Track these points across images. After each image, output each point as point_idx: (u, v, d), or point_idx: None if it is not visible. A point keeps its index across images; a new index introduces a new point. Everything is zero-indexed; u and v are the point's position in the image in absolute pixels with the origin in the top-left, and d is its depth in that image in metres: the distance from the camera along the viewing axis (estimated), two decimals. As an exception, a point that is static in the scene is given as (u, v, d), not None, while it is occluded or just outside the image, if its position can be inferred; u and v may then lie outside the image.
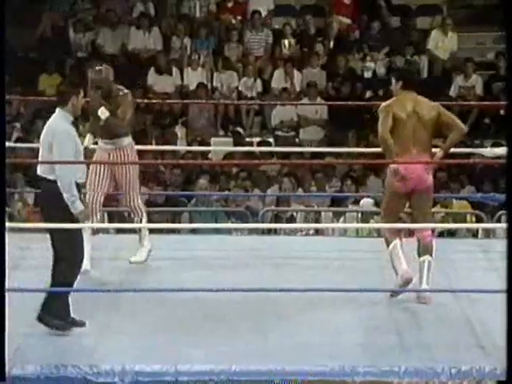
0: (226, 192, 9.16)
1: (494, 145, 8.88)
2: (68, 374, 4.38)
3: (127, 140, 5.92)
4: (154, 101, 10.28)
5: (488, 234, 7.92)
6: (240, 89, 11.06)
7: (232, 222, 8.18)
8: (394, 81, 5.55)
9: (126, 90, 5.90)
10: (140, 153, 9.02)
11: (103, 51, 11.35)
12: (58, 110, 4.91)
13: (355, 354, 4.55)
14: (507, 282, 3.69)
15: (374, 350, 4.62)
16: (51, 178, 4.82)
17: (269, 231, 7.89)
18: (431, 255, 5.31)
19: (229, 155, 9.82)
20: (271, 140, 10.63)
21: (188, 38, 11.42)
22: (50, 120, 4.93)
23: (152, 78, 11.07)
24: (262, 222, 7.94)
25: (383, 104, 5.46)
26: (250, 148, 10.10)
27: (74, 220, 4.80)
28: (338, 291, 5.18)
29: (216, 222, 8.13)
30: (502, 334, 4.61)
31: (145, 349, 4.59)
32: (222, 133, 10.90)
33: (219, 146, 10.43)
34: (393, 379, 4.38)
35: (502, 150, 6.39)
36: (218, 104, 10.84)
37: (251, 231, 7.64)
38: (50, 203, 4.82)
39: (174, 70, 11.13)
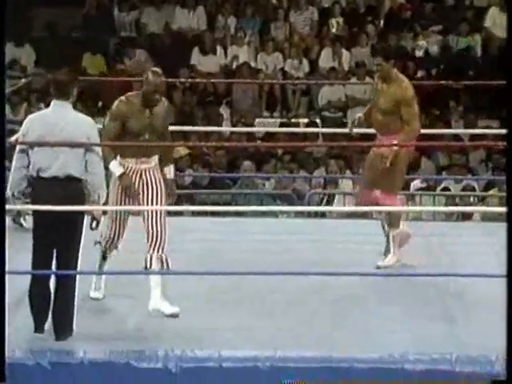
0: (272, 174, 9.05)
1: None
2: (112, 359, 4.28)
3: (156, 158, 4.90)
4: (199, 80, 10.17)
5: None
6: (286, 69, 10.92)
7: (278, 205, 8.09)
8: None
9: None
10: (185, 134, 9.08)
11: (147, 30, 11.27)
12: (62, 102, 4.41)
13: (405, 342, 4.43)
14: (507, 286, 3.55)
15: (424, 337, 4.48)
16: (83, 177, 4.43)
17: (315, 214, 7.78)
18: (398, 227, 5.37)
19: (274, 136, 9.70)
20: (318, 121, 10.48)
21: (233, 16, 11.30)
22: (72, 115, 4.42)
23: (196, 57, 10.97)
24: (309, 205, 7.83)
25: (411, 91, 5.40)
26: (295, 129, 9.96)
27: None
28: (387, 275, 5.04)
29: (261, 204, 8.05)
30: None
31: (189, 334, 4.52)
32: (266, 114, 10.77)
33: (264, 127, 10.32)
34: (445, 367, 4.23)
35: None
36: (263, 84, 10.70)
37: (298, 214, 7.54)
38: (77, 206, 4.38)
39: (219, 49, 11.02)
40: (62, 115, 4.43)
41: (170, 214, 6.89)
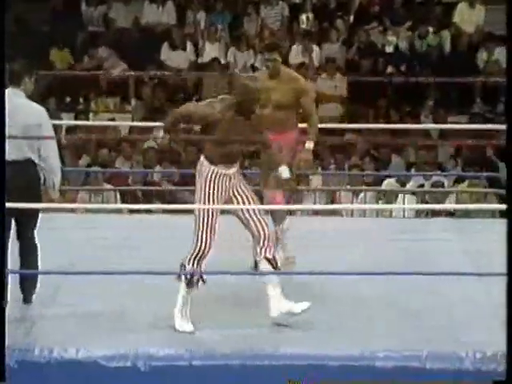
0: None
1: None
2: (79, 358, 4.24)
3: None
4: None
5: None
6: (256, 65, 10.89)
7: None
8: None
9: None
10: (153, 130, 9.02)
11: (115, 25, 11.19)
12: (14, 90, 4.69)
13: (376, 339, 4.42)
14: (507, 286, 3.55)
15: (394, 334, 4.48)
16: (37, 160, 4.69)
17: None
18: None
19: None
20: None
21: (203, 11, 11.25)
22: (23, 101, 4.70)
23: (165, 52, 10.91)
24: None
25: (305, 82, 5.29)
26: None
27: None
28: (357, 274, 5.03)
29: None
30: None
31: (158, 332, 4.49)
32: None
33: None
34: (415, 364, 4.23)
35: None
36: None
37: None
38: (33, 188, 4.66)
39: (189, 44, 10.96)
40: (13, 101, 4.61)
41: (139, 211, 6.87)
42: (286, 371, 4.22)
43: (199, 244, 4.54)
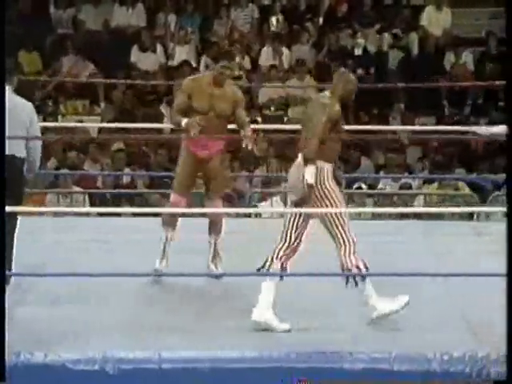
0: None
1: (489, 123, 8.75)
2: (47, 361, 4.21)
3: None
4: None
5: (480, 216, 7.81)
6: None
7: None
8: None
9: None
10: (125, 131, 9.00)
11: (85, 28, 11.14)
12: (8, 86, 4.88)
13: (344, 341, 4.43)
14: (507, 282, 3.58)
15: (362, 336, 4.50)
16: (22, 155, 4.92)
17: (256, 213, 7.77)
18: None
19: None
20: (258, 119, 10.47)
21: (173, 14, 11.24)
22: (14, 97, 4.89)
23: (135, 55, 10.88)
24: (249, 204, 7.81)
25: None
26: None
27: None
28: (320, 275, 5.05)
29: (201, 204, 7.99)
30: (494, 319, 4.54)
31: (127, 335, 4.46)
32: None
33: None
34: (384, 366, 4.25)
35: (497, 129, 6.25)
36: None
37: (238, 213, 7.51)
38: (17, 182, 4.84)
39: (159, 47, 10.94)
40: (13, 96, 4.92)
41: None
42: (250, 374, 4.21)
43: (348, 240, 4.58)
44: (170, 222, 5.31)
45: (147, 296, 5.07)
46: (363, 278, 4.59)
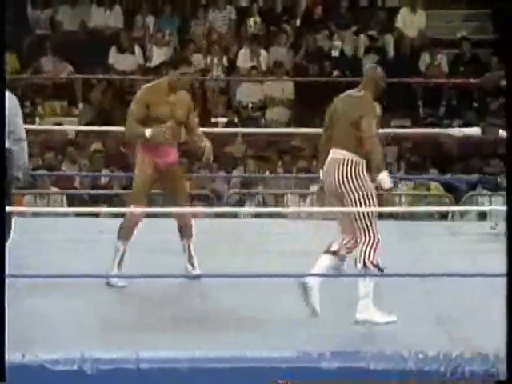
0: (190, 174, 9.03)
1: (463, 125, 8.83)
2: (25, 362, 4.21)
3: None
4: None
5: (455, 215, 7.88)
6: (205, 68, 10.92)
7: (196, 205, 8.07)
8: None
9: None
10: (103, 134, 9.01)
11: (63, 28, 11.13)
12: None
13: (321, 340, 4.46)
14: (507, 282, 3.62)
15: (339, 335, 4.53)
16: (7, 146, 4.96)
17: (234, 214, 7.79)
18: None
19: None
20: (236, 120, 10.50)
21: (151, 16, 11.25)
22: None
23: (113, 56, 10.87)
24: (227, 205, 7.83)
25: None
26: (215, 129, 9.94)
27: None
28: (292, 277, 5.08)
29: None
30: (467, 319, 4.59)
31: (105, 335, 4.48)
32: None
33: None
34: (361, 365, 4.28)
35: (471, 130, 6.33)
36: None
37: (217, 214, 7.54)
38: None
39: (137, 48, 10.95)
40: None
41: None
42: (228, 374, 4.24)
43: (373, 236, 4.62)
44: (128, 234, 5.25)
45: (125, 296, 5.07)
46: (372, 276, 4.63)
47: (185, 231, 5.34)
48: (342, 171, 4.64)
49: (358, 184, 4.64)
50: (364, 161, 4.67)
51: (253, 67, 10.74)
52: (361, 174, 4.65)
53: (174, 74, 5.21)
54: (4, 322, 3.74)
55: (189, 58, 5.84)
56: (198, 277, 5.28)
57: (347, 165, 4.64)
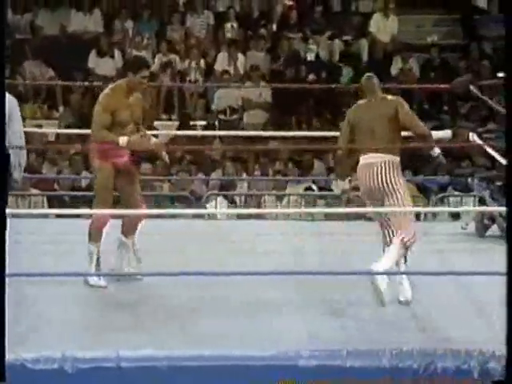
0: (169, 176, 9.08)
1: (434, 128, 8.93)
2: (6, 360, 4.24)
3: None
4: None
5: (427, 216, 7.98)
6: (183, 71, 10.98)
7: (176, 207, 8.11)
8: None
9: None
10: (82, 137, 9.03)
11: (43, 33, 11.15)
12: None
13: (298, 339, 4.52)
14: (507, 282, 3.72)
15: (316, 333, 4.59)
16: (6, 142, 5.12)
17: (211, 215, 7.83)
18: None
19: (173, 139, 9.74)
20: (215, 123, 10.56)
21: (130, 20, 11.29)
22: None
23: (93, 60, 10.91)
24: (206, 207, 7.88)
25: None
26: (194, 132, 10.02)
27: None
28: (277, 274, 5.15)
29: (159, 206, 8.06)
30: (442, 316, 4.68)
31: (85, 334, 4.51)
32: (165, 116, 10.81)
33: (163, 130, 10.34)
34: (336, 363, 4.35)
35: (442, 133, 6.43)
36: (160, 86, 10.73)
37: (195, 215, 7.59)
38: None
39: (116, 52, 10.99)
40: None
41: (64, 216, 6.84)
42: (207, 372, 4.26)
43: (412, 230, 5.00)
44: (98, 236, 5.28)
45: (105, 295, 5.07)
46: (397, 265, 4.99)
47: (133, 229, 5.33)
48: (388, 172, 5.01)
49: (401, 183, 5.05)
50: (399, 159, 5.04)
51: (225, 71, 10.80)
52: (397, 175, 5.04)
53: (136, 78, 5.23)
54: (4, 322, 3.76)
55: (146, 59, 5.88)
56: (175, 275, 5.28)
57: (392, 166, 5.01)
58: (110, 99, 5.22)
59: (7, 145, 5.04)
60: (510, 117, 3.77)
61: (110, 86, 5.31)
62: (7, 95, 5.03)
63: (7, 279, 4.92)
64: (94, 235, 5.29)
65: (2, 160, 4.01)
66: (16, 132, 5.13)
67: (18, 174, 5.15)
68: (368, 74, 5.36)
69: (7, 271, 5.19)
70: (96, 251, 5.27)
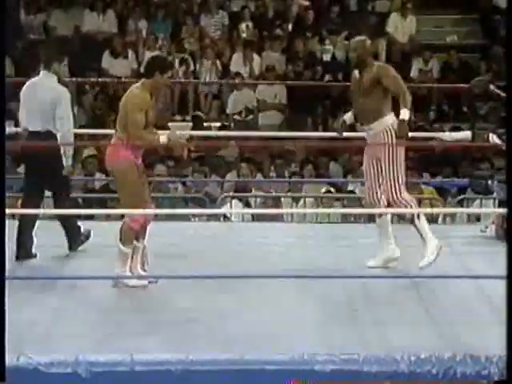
0: (184, 178, 9.06)
1: (453, 129, 8.86)
2: (19, 364, 4.21)
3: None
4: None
5: (446, 219, 7.91)
6: (197, 72, 10.95)
7: (190, 208, 8.10)
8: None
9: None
10: (96, 137, 9.01)
11: (56, 33, 11.14)
12: (45, 72, 5.75)
13: (314, 343, 4.47)
14: (507, 282, 3.65)
15: (332, 337, 4.55)
16: (54, 131, 5.67)
17: (226, 217, 7.82)
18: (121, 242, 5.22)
19: (187, 140, 9.69)
20: (230, 124, 10.53)
21: (144, 20, 11.27)
22: (49, 82, 5.68)
23: (107, 60, 10.89)
24: (220, 208, 7.86)
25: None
26: (209, 132, 9.98)
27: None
28: (293, 277, 5.10)
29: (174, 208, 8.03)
30: (460, 321, 4.62)
31: (99, 338, 4.48)
32: (179, 117, 10.78)
33: (177, 131, 10.28)
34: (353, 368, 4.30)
35: (461, 135, 6.37)
36: (174, 87, 10.71)
37: (210, 217, 7.57)
38: (50, 154, 5.59)
39: (130, 53, 10.97)
40: (43, 82, 5.75)
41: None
42: (222, 376, 4.24)
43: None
44: (133, 237, 5.24)
45: (118, 299, 5.07)
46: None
47: (141, 231, 5.29)
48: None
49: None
50: None
51: (237, 74, 10.77)
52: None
53: (163, 79, 5.22)
54: (4, 322, 3.75)
55: (172, 62, 5.97)
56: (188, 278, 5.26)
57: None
58: (142, 99, 5.18)
59: (54, 131, 5.66)
60: (510, 117, 3.74)
61: (137, 85, 5.24)
62: (59, 86, 5.70)
63: (23, 283, 4.93)
64: (128, 236, 5.19)
65: (1, 158, 3.97)
66: (61, 118, 5.62)
67: (65, 160, 5.64)
68: None
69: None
70: (131, 253, 5.18)
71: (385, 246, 5.54)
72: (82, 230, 5.90)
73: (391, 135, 5.51)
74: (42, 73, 5.80)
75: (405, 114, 5.46)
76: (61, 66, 5.84)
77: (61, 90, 5.71)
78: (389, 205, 5.49)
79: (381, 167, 5.52)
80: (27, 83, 5.92)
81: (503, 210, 6.50)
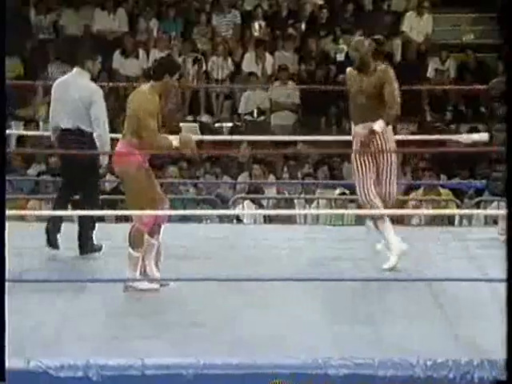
0: (196, 180, 9.03)
1: (470, 131, 8.79)
2: (29, 368, 4.17)
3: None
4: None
5: (462, 221, 7.85)
6: (209, 71, 10.90)
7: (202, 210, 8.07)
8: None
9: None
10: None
11: (66, 33, 11.12)
12: (79, 69, 5.73)
13: (328, 346, 4.41)
14: (507, 286, 3.59)
15: (346, 341, 4.48)
16: (89, 130, 5.67)
17: (239, 218, 7.79)
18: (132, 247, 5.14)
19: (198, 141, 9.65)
20: (242, 125, 10.49)
21: (155, 19, 11.23)
22: (82, 80, 5.67)
23: (117, 60, 10.86)
24: (232, 209, 7.82)
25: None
26: (221, 137, 9.93)
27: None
28: (305, 280, 5.05)
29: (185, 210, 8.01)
30: (477, 325, 4.56)
31: (110, 341, 4.44)
32: (190, 118, 10.74)
33: (188, 132, 10.24)
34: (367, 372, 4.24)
35: (478, 136, 6.30)
36: (186, 87, 10.67)
37: (222, 219, 7.53)
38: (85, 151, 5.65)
39: (141, 52, 10.93)
40: (76, 80, 5.72)
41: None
42: (234, 380, 4.20)
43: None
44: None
45: (128, 301, 5.04)
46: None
47: (159, 229, 5.24)
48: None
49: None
50: None
51: (251, 73, 10.71)
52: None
53: (172, 80, 5.14)
54: (4, 322, 3.71)
55: (180, 63, 5.94)
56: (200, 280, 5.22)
57: None
58: (153, 103, 5.09)
59: (90, 131, 5.66)
60: (510, 118, 3.70)
61: (145, 87, 5.16)
62: (92, 84, 5.71)
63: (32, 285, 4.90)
64: (138, 240, 5.13)
65: (1, 157, 3.90)
66: (97, 118, 5.62)
67: (102, 160, 5.76)
68: None
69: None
70: (141, 257, 5.12)
71: (391, 243, 5.47)
72: (94, 239, 5.78)
73: (383, 137, 5.51)
74: (74, 70, 5.75)
75: (379, 125, 5.43)
76: (95, 63, 5.83)
77: (94, 88, 5.67)
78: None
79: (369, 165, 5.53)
80: (58, 80, 5.88)
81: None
